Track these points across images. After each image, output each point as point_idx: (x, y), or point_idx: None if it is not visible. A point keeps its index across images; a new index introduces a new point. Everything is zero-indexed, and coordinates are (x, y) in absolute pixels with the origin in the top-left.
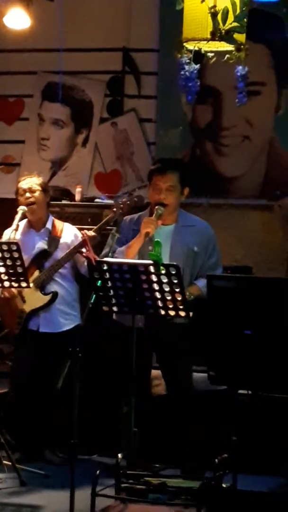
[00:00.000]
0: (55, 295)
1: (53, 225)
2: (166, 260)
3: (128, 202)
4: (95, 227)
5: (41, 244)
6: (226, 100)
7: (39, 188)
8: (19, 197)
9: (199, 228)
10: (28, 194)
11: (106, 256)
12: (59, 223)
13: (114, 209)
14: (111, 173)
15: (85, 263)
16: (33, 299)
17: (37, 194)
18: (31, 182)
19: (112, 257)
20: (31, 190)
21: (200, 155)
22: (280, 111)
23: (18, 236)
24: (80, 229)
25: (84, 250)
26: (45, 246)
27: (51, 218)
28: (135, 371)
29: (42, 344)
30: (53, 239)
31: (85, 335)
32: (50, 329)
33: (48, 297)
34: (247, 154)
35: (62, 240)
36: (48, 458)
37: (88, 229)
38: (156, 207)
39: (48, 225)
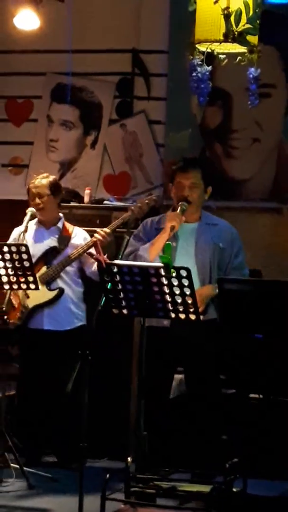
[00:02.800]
0: (61, 291)
1: (64, 225)
2: (192, 257)
3: (147, 201)
4: (110, 225)
5: (51, 241)
6: (236, 102)
7: (47, 192)
8: (29, 199)
9: (223, 227)
10: (37, 200)
11: (129, 254)
12: (69, 225)
13: (132, 208)
14: (120, 175)
15: (94, 266)
16: (38, 294)
17: (45, 199)
18: (40, 187)
19: (135, 255)
20: (40, 195)
21: (209, 157)
22: None
23: (27, 236)
24: (90, 231)
25: (94, 252)
26: (55, 244)
27: (62, 218)
28: (157, 372)
29: (47, 343)
30: (64, 237)
31: (95, 337)
32: (54, 327)
33: (53, 293)
34: (256, 156)
35: (72, 241)
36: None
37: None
38: (180, 202)
39: (59, 224)
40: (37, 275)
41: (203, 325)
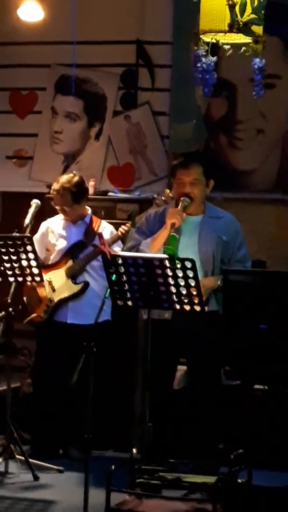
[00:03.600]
0: (86, 285)
1: (91, 219)
2: (196, 250)
3: (171, 196)
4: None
5: (78, 236)
6: (240, 93)
7: (71, 203)
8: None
9: (227, 220)
10: (65, 210)
11: (131, 249)
12: (96, 219)
13: (157, 202)
14: (124, 166)
15: None
16: (64, 288)
17: (69, 209)
18: (64, 200)
19: (137, 249)
20: (64, 210)
21: (214, 148)
22: None
23: (55, 230)
24: (115, 224)
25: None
26: (82, 238)
27: (90, 213)
28: (160, 364)
29: (70, 337)
30: (90, 232)
31: (100, 330)
32: (79, 321)
33: (79, 287)
34: (261, 147)
35: None
36: (71, 454)
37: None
38: (182, 198)
39: (86, 219)
40: (63, 268)
41: (204, 317)
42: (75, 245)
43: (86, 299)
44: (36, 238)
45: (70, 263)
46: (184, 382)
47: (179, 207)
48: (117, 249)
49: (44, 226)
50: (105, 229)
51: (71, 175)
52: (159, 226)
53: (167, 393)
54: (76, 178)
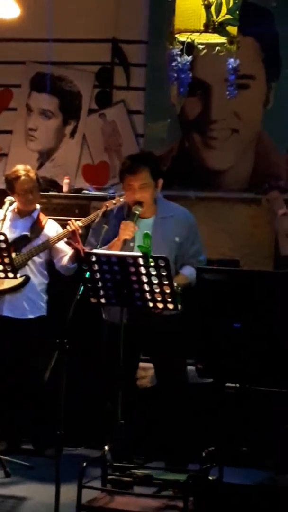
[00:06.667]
0: (27, 279)
1: (38, 216)
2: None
3: (122, 199)
4: (83, 219)
5: (23, 230)
6: (215, 93)
7: (37, 187)
8: (16, 194)
9: (178, 217)
10: (30, 196)
11: (94, 247)
12: (43, 217)
13: (107, 204)
14: (99, 164)
15: (64, 260)
16: (3, 280)
17: (35, 194)
18: (32, 183)
19: None
20: (32, 191)
21: (188, 147)
22: (269, 105)
23: (6, 224)
24: (64, 220)
25: (71, 241)
26: (27, 232)
27: (38, 209)
28: (122, 366)
29: (5, 330)
30: (36, 227)
31: (72, 327)
32: (14, 314)
33: (19, 280)
34: (235, 147)
35: (44, 232)
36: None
37: (76, 220)
38: (133, 207)
39: (34, 214)
40: None
41: (168, 317)
42: (19, 239)
43: (24, 293)
44: None
45: (12, 256)
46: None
47: (132, 219)
48: (61, 244)
49: None
50: (50, 227)
51: (22, 165)
52: (113, 228)
53: (131, 390)
54: (29, 167)
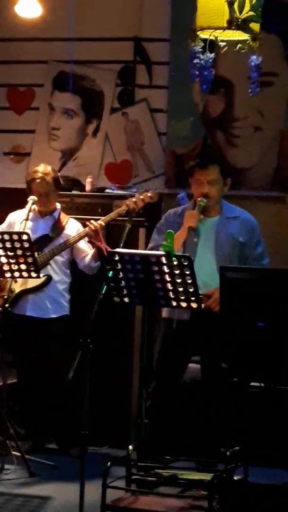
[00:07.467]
0: (49, 278)
1: (59, 215)
2: (213, 252)
3: (142, 198)
4: (103, 218)
5: (45, 230)
6: (237, 90)
7: (53, 188)
8: (33, 192)
9: (243, 219)
10: (45, 199)
11: (152, 250)
12: (64, 216)
13: (127, 203)
14: (121, 163)
15: (87, 259)
16: (26, 279)
17: (50, 195)
18: (46, 185)
19: (157, 250)
20: (46, 193)
21: (211, 145)
22: None
23: (28, 224)
24: (84, 219)
25: (93, 240)
26: (48, 232)
27: (59, 208)
28: (173, 362)
29: (29, 329)
30: (57, 227)
31: (96, 326)
32: (37, 314)
33: (41, 280)
34: (258, 145)
35: (65, 232)
36: (68, 451)
37: (96, 220)
38: (199, 199)
39: (55, 214)
40: None
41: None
42: (40, 238)
43: (46, 292)
44: (2, 227)
45: (35, 255)
46: (187, 378)
47: (196, 209)
48: (83, 244)
49: (12, 216)
50: (71, 227)
51: (43, 165)
52: (178, 227)
53: (175, 391)
54: (50, 167)
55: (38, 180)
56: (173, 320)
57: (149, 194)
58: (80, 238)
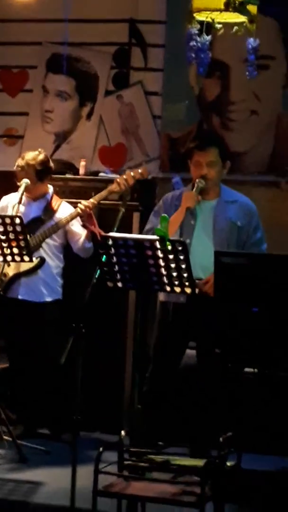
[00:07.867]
0: (42, 260)
1: (52, 198)
2: (210, 236)
3: (133, 174)
4: (94, 196)
5: (36, 212)
6: (234, 74)
7: (34, 179)
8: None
9: (241, 203)
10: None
11: (148, 232)
12: (57, 199)
13: (118, 180)
14: (115, 146)
15: (80, 241)
16: (19, 263)
17: (32, 185)
18: (24, 176)
19: (153, 232)
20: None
21: (206, 129)
22: None
23: (21, 208)
24: (75, 202)
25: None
26: (40, 214)
27: (51, 191)
28: (170, 346)
29: (22, 313)
30: (49, 210)
31: (89, 311)
32: (30, 298)
33: (34, 262)
34: (254, 129)
35: (57, 215)
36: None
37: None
38: (197, 180)
39: (48, 196)
40: None
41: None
42: (32, 221)
43: (39, 276)
44: None
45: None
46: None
47: (194, 190)
48: (76, 226)
49: (5, 200)
50: (63, 209)
51: (37, 152)
52: (175, 210)
53: (172, 374)
54: (41, 156)
55: (18, 169)
56: (170, 303)
57: (139, 171)
58: (72, 218)
